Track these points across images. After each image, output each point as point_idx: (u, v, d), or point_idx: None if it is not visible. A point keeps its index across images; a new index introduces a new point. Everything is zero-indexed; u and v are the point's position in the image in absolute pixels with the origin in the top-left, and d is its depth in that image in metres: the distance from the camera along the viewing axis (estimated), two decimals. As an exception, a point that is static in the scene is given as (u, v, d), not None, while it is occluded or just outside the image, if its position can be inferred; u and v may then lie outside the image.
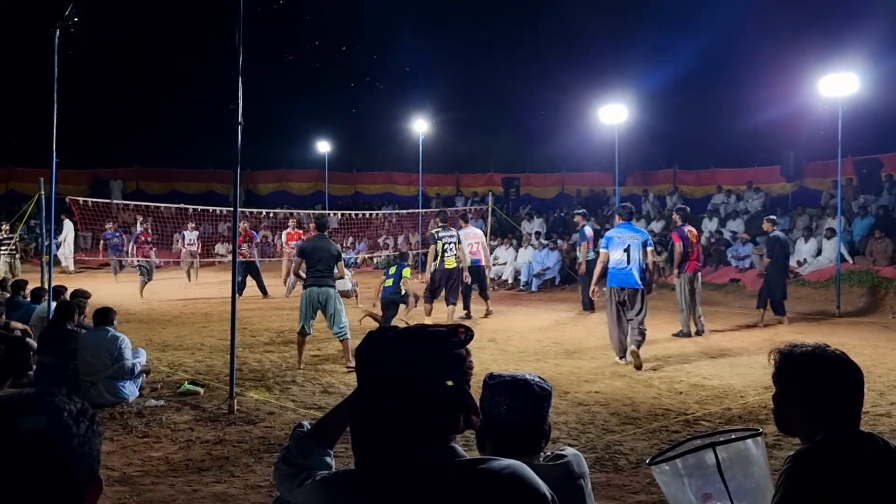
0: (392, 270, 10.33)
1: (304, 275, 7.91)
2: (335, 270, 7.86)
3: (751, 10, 19.91)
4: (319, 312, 7.78)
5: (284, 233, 16.63)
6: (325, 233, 8.14)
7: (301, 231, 16.86)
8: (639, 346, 7.92)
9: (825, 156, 15.72)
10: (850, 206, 16.28)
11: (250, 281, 14.38)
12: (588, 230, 12.50)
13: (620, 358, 8.11)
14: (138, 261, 14.95)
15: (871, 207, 16.15)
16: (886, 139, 18.02)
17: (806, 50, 15.65)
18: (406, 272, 10.22)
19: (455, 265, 10.41)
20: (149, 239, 15.81)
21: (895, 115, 17.21)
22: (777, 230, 11.40)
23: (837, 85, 12.33)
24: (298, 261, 8.11)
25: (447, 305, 10.42)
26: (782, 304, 10.95)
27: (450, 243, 10.42)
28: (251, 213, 18.26)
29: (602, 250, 8.32)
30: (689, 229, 10.22)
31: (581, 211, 13.44)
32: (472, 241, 11.54)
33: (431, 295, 10.44)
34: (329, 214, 20.52)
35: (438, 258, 10.34)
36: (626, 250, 8.03)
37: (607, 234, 8.51)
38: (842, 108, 12.33)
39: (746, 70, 19.59)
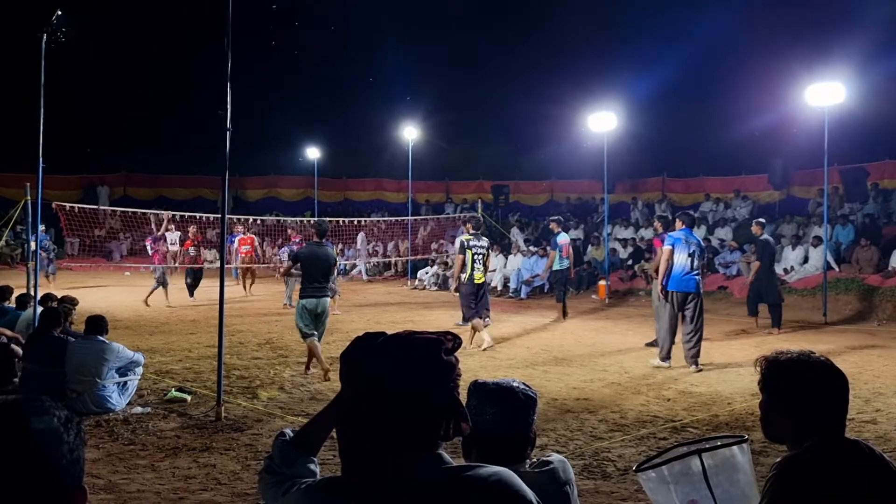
0: None
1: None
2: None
3: (739, 20, 20.12)
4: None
5: (236, 238, 16.18)
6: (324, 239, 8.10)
7: (252, 237, 16.69)
8: (698, 356, 8.09)
9: (812, 164, 15.86)
10: (837, 214, 16.44)
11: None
12: (562, 237, 12.12)
13: (664, 360, 8.21)
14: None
15: (855, 216, 16.30)
16: (872, 148, 18.21)
17: (793, 59, 15.82)
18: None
19: (483, 280, 9.38)
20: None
21: (881, 123, 17.40)
22: (766, 233, 11.45)
23: (824, 94, 12.46)
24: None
25: (479, 319, 9.41)
26: (779, 311, 10.89)
27: (479, 254, 9.31)
28: (238, 219, 18.15)
29: (666, 247, 8.14)
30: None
31: (556, 217, 12.88)
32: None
33: (470, 310, 9.43)
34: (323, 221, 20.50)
35: (468, 271, 9.24)
36: (691, 255, 8.12)
37: (673, 234, 8.30)
38: (828, 117, 12.46)
39: (734, 79, 19.76)
